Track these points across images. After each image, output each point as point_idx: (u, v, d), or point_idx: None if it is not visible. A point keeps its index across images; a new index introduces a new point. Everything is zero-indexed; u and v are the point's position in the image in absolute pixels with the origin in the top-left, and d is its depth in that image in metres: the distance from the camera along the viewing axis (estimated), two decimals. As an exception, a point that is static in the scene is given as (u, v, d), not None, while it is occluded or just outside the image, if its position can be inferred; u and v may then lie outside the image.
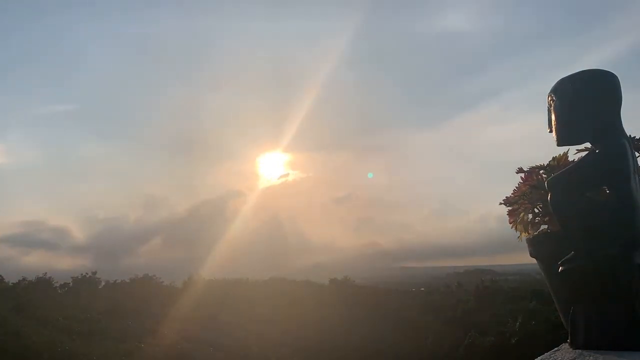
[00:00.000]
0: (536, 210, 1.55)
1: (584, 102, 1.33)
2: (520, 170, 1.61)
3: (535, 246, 1.53)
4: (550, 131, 1.42)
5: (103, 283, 25.21)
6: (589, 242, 1.26)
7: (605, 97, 1.33)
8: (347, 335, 17.88)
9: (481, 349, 15.73)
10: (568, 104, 1.35)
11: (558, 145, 1.41)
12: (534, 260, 1.55)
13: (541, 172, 1.56)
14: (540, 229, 1.54)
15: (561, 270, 1.30)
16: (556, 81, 1.40)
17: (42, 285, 23.20)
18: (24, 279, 23.17)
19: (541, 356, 1.32)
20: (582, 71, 1.37)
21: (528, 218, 1.57)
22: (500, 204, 1.62)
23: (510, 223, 1.60)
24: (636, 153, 1.37)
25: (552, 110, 1.40)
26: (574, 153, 1.51)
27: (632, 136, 1.41)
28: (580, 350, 1.25)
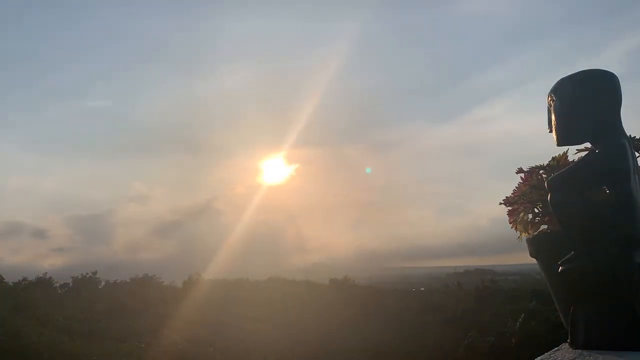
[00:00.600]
0: (536, 210, 1.55)
1: (583, 102, 1.33)
2: (520, 171, 1.61)
3: (535, 246, 1.53)
4: (550, 131, 1.42)
5: (103, 283, 25.25)
6: (589, 242, 1.26)
7: (605, 97, 1.33)
8: (347, 335, 17.88)
9: (481, 349, 15.72)
10: (568, 104, 1.35)
11: (558, 145, 1.41)
12: (534, 260, 1.55)
13: (541, 172, 1.56)
14: (540, 229, 1.54)
15: (561, 270, 1.30)
16: (556, 81, 1.40)
17: (42, 285, 23.22)
18: (24, 279, 23.20)
19: (541, 356, 1.32)
20: (582, 71, 1.37)
21: (528, 218, 1.57)
22: (500, 203, 1.62)
23: (510, 223, 1.60)
24: (636, 153, 1.37)
25: (552, 110, 1.40)
26: (574, 153, 1.51)
27: (632, 136, 1.41)
28: (580, 350, 1.25)
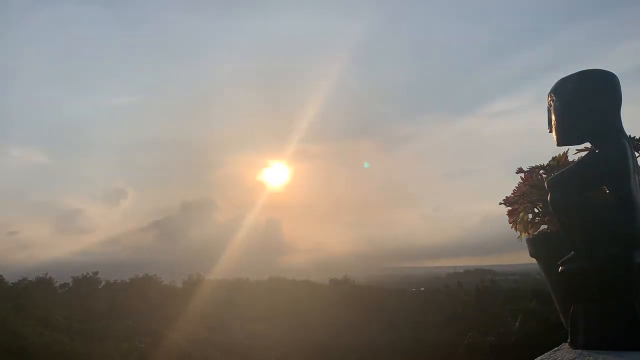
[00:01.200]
0: (536, 210, 1.55)
1: (583, 102, 1.33)
2: (520, 170, 1.61)
3: (535, 246, 1.53)
4: (550, 131, 1.42)
5: (103, 283, 25.25)
6: (589, 242, 1.26)
7: (605, 97, 1.33)
8: (347, 334, 17.88)
9: (481, 349, 15.73)
10: (568, 104, 1.35)
11: (558, 145, 1.41)
12: (534, 260, 1.55)
13: (541, 172, 1.56)
14: (540, 229, 1.54)
15: (561, 270, 1.30)
16: (557, 81, 1.40)
17: (42, 285, 23.23)
18: (24, 279, 23.21)
19: (541, 356, 1.32)
20: (582, 71, 1.37)
21: (528, 218, 1.57)
22: (500, 203, 1.62)
23: (510, 223, 1.60)
24: (636, 153, 1.37)
25: (552, 110, 1.40)
26: (574, 153, 1.51)
27: (632, 136, 1.41)
28: (580, 350, 1.25)
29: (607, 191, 1.30)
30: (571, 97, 1.35)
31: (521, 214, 1.57)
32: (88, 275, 24.77)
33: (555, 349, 1.36)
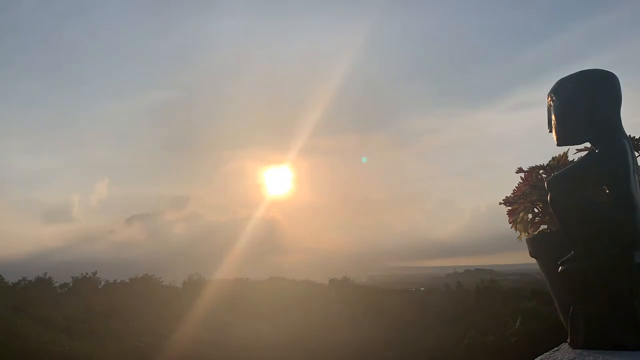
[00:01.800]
0: (536, 210, 1.55)
1: (583, 102, 1.33)
2: (520, 170, 1.61)
3: (535, 246, 1.53)
4: (550, 131, 1.42)
5: (103, 283, 25.23)
6: (589, 242, 1.26)
7: (605, 97, 1.33)
8: (347, 334, 17.88)
9: (481, 349, 15.73)
10: (568, 104, 1.35)
11: (558, 145, 1.41)
12: (534, 260, 1.55)
13: (541, 172, 1.56)
14: (540, 229, 1.54)
15: (561, 270, 1.30)
16: (556, 81, 1.40)
17: (42, 285, 23.21)
18: (23, 279, 23.19)
19: (541, 356, 1.32)
20: (582, 71, 1.37)
21: (528, 218, 1.57)
22: (500, 203, 1.62)
23: (510, 223, 1.60)
24: (636, 153, 1.37)
25: (551, 111, 1.40)
26: (574, 153, 1.51)
27: (632, 136, 1.41)
28: (580, 350, 1.25)
29: (607, 191, 1.30)
30: (571, 97, 1.35)
31: (521, 214, 1.57)
32: (88, 275, 24.75)
33: (555, 349, 1.36)
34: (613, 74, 1.35)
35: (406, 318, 19.90)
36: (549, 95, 1.41)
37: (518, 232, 1.59)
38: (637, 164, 1.32)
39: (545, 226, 1.53)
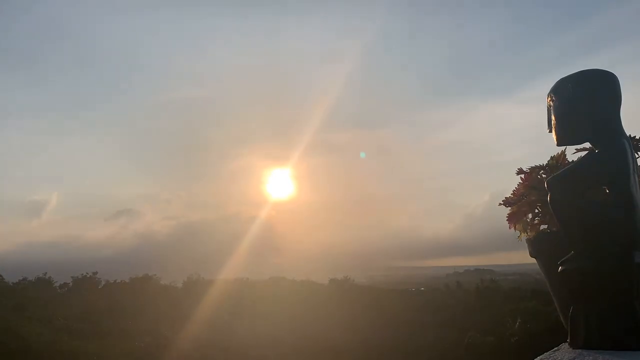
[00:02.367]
0: (536, 211, 1.55)
1: (583, 102, 1.33)
2: (520, 171, 1.61)
3: (535, 246, 1.53)
4: (550, 131, 1.42)
5: (103, 283, 25.23)
6: (589, 242, 1.26)
7: (604, 97, 1.33)
8: (347, 334, 17.88)
9: (481, 349, 15.73)
10: (567, 104, 1.35)
11: (558, 145, 1.41)
12: (534, 260, 1.55)
13: (540, 172, 1.56)
14: (540, 229, 1.54)
15: (561, 270, 1.30)
16: (556, 81, 1.40)
17: (42, 285, 23.21)
18: (24, 279, 23.20)
19: (541, 356, 1.32)
20: (582, 71, 1.37)
21: (528, 218, 1.57)
22: (500, 204, 1.62)
23: (509, 224, 1.60)
24: (636, 153, 1.37)
25: (551, 111, 1.40)
26: (574, 153, 1.51)
27: (632, 136, 1.41)
28: (580, 350, 1.25)
29: (607, 191, 1.30)
30: (571, 97, 1.35)
31: (521, 215, 1.57)
32: (88, 275, 24.75)
33: (555, 348, 1.36)
34: (613, 74, 1.35)
35: (406, 318, 19.90)
36: (548, 95, 1.41)
37: (518, 232, 1.59)
38: (637, 164, 1.32)
39: (546, 226, 1.53)
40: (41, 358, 13.07)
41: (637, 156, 1.37)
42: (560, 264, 1.31)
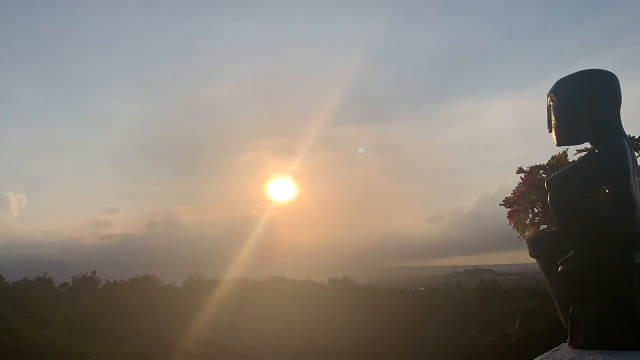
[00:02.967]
0: (536, 210, 1.55)
1: (583, 102, 1.33)
2: (520, 171, 1.61)
3: (535, 246, 1.52)
4: (550, 131, 1.42)
5: (103, 283, 25.23)
6: (589, 241, 1.26)
7: (604, 97, 1.33)
8: (347, 334, 17.88)
9: (481, 349, 15.73)
10: (567, 104, 1.35)
11: (558, 145, 1.41)
12: (533, 260, 1.55)
13: (541, 171, 1.56)
14: (540, 229, 1.54)
15: (561, 270, 1.30)
16: (556, 81, 1.40)
17: (41, 284, 23.21)
18: (24, 279, 23.20)
19: (541, 356, 1.32)
20: (582, 71, 1.37)
21: (528, 218, 1.57)
22: (500, 204, 1.62)
23: (510, 225, 1.60)
24: (636, 153, 1.37)
25: (551, 111, 1.40)
26: (574, 153, 1.51)
27: (632, 136, 1.41)
28: (580, 350, 1.25)
29: (607, 191, 1.30)
30: (571, 97, 1.35)
31: (521, 214, 1.57)
32: (88, 275, 24.74)
33: (555, 348, 1.36)
34: (613, 74, 1.35)
35: (406, 318, 19.89)
36: (548, 95, 1.41)
37: (518, 232, 1.59)
38: (637, 164, 1.32)
39: (546, 226, 1.53)
40: (41, 358, 13.07)
41: (637, 156, 1.37)
42: (560, 264, 1.31)
